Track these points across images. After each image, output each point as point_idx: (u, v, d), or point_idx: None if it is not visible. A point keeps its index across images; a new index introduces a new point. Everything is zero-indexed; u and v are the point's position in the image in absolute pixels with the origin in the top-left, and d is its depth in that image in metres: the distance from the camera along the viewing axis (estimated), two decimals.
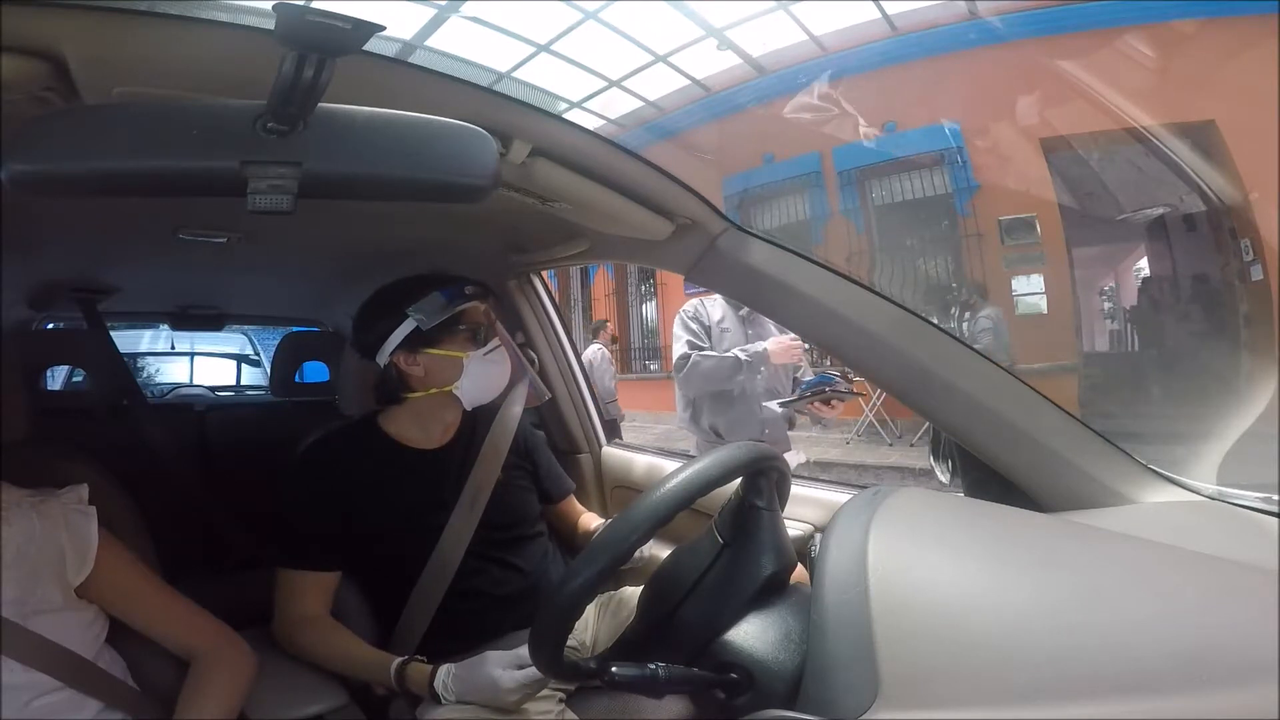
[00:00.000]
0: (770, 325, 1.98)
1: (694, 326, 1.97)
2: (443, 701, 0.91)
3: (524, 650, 0.84)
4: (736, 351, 1.89)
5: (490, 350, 1.12)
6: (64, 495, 0.82)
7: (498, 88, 0.74)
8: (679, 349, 1.96)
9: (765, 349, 1.88)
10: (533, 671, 0.86)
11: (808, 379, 1.84)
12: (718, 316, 2.00)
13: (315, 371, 2.09)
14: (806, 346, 1.92)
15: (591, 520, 1.30)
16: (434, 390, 1.10)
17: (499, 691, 0.87)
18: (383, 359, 1.10)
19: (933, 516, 0.65)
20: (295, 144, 0.52)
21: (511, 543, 1.14)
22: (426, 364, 1.09)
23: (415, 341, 1.08)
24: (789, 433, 2.09)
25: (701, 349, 1.95)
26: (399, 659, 0.96)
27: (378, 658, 0.99)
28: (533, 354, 1.53)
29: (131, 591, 0.84)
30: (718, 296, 2.04)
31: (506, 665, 0.88)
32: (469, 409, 1.14)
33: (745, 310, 1.99)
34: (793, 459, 1.79)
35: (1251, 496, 0.70)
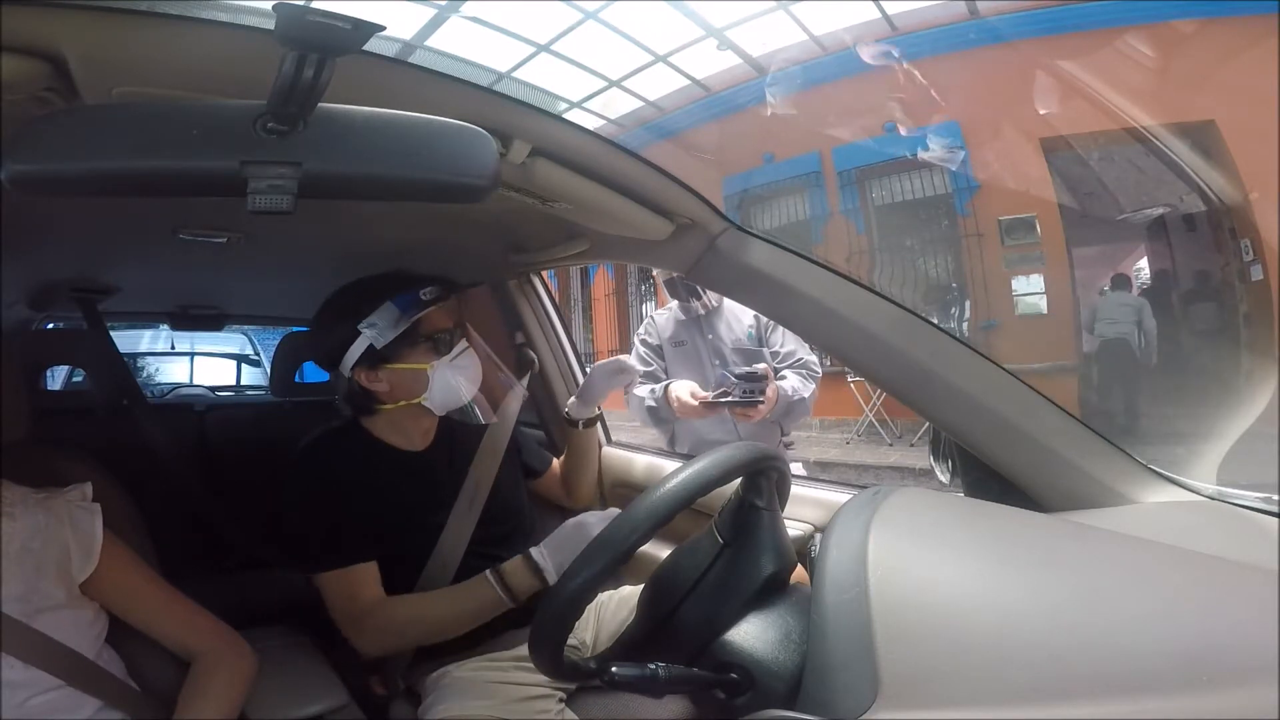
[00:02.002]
0: (723, 325, 1.77)
1: (643, 351, 1.83)
2: (548, 580, 0.92)
3: (614, 510, 0.82)
4: (640, 394, 1.72)
5: (458, 355, 1.07)
6: (68, 493, 0.83)
7: (498, 88, 0.74)
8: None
9: (672, 393, 1.65)
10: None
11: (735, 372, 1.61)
12: (669, 332, 1.82)
13: (315, 371, 2.08)
14: (725, 411, 1.62)
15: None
16: (403, 403, 1.07)
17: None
18: (345, 372, 1.05)
19: (933, 516, 0.65)
20: (295, 144, 0.52)
21: (509, 540, 1.14)
22: (389, 379, 1.05)
23: (374, 358, 1.03)
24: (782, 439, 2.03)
25: (653, 374, 1.79)
26: (488, 571, 0.96)
27: (463, 591, 0.98)
28: (532, 354, 1.53)
29: (133, 590, 0.84)
30: (667, 307, 1.86)
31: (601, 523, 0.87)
32: (442, 415, 1.11)
33: (696, 313, 1.77)
34: None
35: (1251, 496, 0.70)
